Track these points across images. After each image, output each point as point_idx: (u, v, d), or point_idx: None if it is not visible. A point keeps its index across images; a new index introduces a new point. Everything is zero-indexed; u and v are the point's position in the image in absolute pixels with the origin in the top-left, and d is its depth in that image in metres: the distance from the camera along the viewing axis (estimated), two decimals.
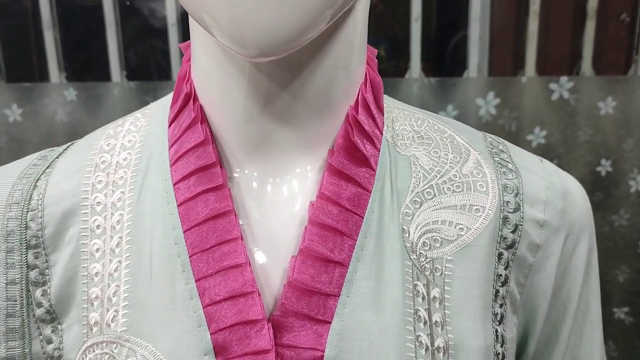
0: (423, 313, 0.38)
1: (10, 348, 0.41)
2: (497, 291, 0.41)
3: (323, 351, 0.36)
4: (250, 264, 0.38)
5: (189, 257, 0.38)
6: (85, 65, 1.28)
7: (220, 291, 0.37)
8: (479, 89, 1.23)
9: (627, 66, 1.24)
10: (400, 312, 0.38)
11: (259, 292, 0.37)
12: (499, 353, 0.41)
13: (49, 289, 0.40)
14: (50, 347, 0.41)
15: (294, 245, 0.39)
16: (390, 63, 1.30)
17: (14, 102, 1.27)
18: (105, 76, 1.26)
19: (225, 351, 0.36)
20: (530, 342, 0.45)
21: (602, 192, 1.26)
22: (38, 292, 0.41)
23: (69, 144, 0.47)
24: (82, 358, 0.38)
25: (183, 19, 1.24)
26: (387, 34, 1.30)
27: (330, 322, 0.37)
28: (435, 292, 0.39)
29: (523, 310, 0.44)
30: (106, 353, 0.37)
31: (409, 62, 1.26)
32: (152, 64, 1.27)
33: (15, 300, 0.41)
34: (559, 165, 1.17)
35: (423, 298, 0.39)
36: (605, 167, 1.25)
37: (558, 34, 1.25)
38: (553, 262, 0.44)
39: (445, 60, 1.28)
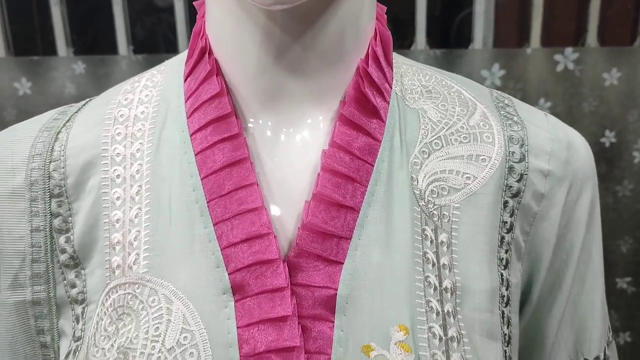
0: (431, 256, 0.40)
1: (36, 292, 0.43)
2: (503, 237, 0.43)
3: (336, 289, 0.38)
4: (265, 208, 0.39)
5: (207, 202, 0.40)
6: (93, 38, 1.29)
7: (237, 234, 0.39)
8: (484, 60, 1.23)
9: (632, 37, 1.25)
10: (409, 254, 0.39)
11: (274, 234, 0.39)
12: (504, 296, 0.42)
13: (72, 236, 0.42)
14: (74, 291, 0.42)
15: (307, 192, 0.41)
16: (395, 42, 1.31)
17: (23, 75, 1.28)
18: (113, 49, 1.27)
19: (243, 290, 0.38)
20: (534, 289, 0.47)
21: (606, 163, 1.27)
22: (62, 239, 0.42)
23: (87, 100, 0.49)
24: (106, 299, 0.40)
25: None
26: (391, 12, 1.30)
27: (343, 263, 0.39)
28: (442, 237, 0.41)
29: (528, 258, 0.45)
30: (129, 293, 0.39)
31: (414, 37, 1.27)
32: (159, 37, 1.28)
33: (40, 247, 0.43)
34: None
35: (431, 242, 0.40)
36: (609, 138, 1.26)
37: (564, 5, 1.25)
38: (557, 211, 0.45)
39: (450, 37, 1.28)
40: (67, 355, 0.42)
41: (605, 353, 0.50)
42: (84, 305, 0.42)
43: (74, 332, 0.42)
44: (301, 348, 0.36)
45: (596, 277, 0.49)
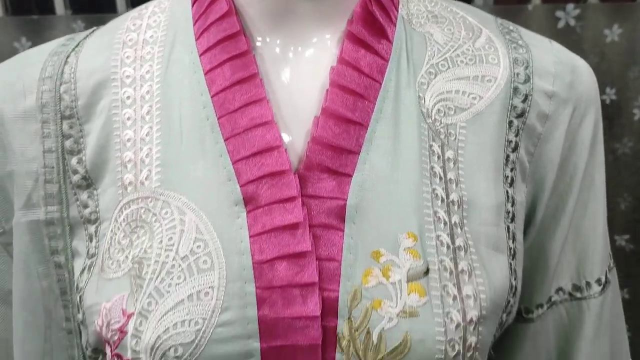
0: (438, 170, 0.41)
1: (50, 212, 0.44)
2: (508, 156, 0.44)
3: (345, 200, 0.39)
4: (275, 123, 0.40)
5: (217, 119, 0.40)
6: None
7: (248, 148, 0.39)
8: None
9: None
10: (417, 168, 0.40)
11: (284, 147, 0.39)
12: (509, 212, 0.43)
13: (83, 157, 0.43)
14: (87, 211, 0.43)
15: (316, 108, 0.41)
16: None
17: (23, 35, 1.27)
18: (112, 8, 1.26)
19: (254, 201, 0.39)
20: (538, 210, 0.48)
21: (607, 121, 1.27)
22: (73, 160, 0.43)
23: (94, 28, 0.49)
24: (119, 215, 0.41)
25: None
26: None
27: (352, 175, 0.39)
28: (449, 153, 0.41)
29: (532, 180, 0.46)
30: (142, 207, 0.40)
31: None
32: None
33: (53, 167, 0.43)
34: None
35: (438, 157, 0.41)
36: (609, 95, 1.26)
37: None
38: (561, 133, 0.46)
39: None
40: (82, 272, 0.43)
41: (606, 276, 0.51)
42: (97, 224, 0.43)
43: (88, 250, 0.43)
44: (312, 253, 0.37)
45: (598, 202, 0.50)
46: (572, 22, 1.22)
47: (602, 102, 1.26)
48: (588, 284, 0.50)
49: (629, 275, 1.38)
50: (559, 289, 0.51)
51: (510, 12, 1.23)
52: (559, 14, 1.22)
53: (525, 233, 0.48)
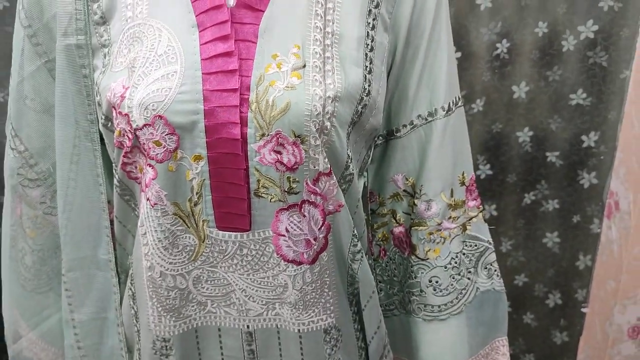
0: (320, 12, 0.65)
1: (79, 39, 0.69)
2: (370, 10, 0.68)
3: (259, 25, 0.63)
4: None
5: None
6: None
7: None
8: None
9: None
10: (306, 9, 0.65)
11: None
12: (368, 44, 0.68)
13: (101, 4, 0.68)
14: (103, 39, 0.68)
15: None
16: None
17: None
18: None
19: (203, 25, 0.64)
20: (397, 54, 0.72)
21: (539, 51, 1.50)
22: (94, 6, 0.68)
23: None
24: (123, 36, 0.66)
25: None
26: None
27: (264, 10, 0.64)
28: (329, 4, 0.66)
29: (392, 31, 0.71)
30: (137, 30, 0.65)
31: None
32: None
33: (81, 10, 0.68)
34: (504, 25, 1.41)
35: (321, 5, 0.65)
36: (542, 28, 1.48)
37: None
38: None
39: None
40: (100, 75, 0.68)
41: (449, 105, 0.75)
42: (109, 46, 0.68)
43: (103, 63, 0.68)
44: (236, 53, 0.62)
45: (443, 54, 0.74)
46: None
47: (535, 34, 1.49)
48: (436, 110, 0.75)
49: (559, 189, 1.62)
50: (419, 116, 0.76)
51: None
52: None
53: (391, 68, 0.73)
